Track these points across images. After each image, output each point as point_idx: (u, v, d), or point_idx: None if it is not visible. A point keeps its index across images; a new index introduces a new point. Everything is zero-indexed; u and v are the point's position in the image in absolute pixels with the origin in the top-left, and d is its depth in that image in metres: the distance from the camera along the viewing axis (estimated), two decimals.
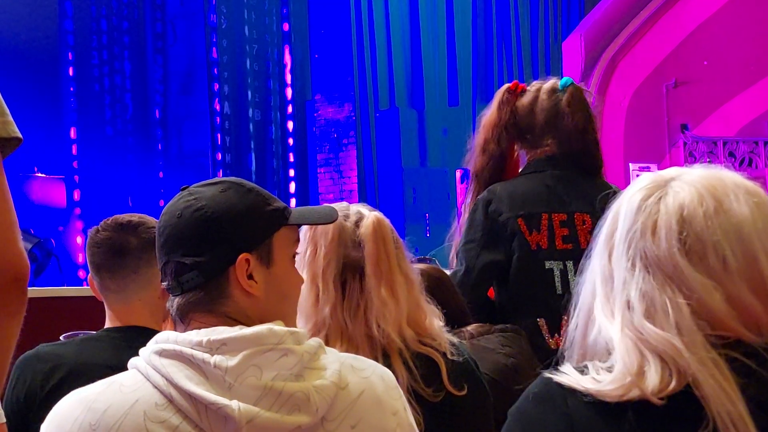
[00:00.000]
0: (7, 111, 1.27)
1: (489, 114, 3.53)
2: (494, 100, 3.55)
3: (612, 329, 1.51)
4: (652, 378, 1.44)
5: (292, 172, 16.03)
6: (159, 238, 1.85)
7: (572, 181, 3.43)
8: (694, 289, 1.47)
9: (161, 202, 13.32)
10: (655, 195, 1.57)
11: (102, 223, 2.85)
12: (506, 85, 3.57)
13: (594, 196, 3.33)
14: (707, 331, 1.46)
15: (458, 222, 4.39)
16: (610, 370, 1.50)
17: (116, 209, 13.39)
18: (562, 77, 3.59)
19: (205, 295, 1.79)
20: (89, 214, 13.17)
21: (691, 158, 13.73)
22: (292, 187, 16.00)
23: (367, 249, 2.42)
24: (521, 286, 3.37)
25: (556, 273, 3.31)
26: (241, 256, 1.80)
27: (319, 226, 2.41)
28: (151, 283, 2.73)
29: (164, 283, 1.85)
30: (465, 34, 16.90)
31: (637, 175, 8.95)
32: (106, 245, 2.76)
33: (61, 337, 2.96)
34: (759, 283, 1.48)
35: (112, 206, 12.97)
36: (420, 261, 3.30)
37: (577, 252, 3.30)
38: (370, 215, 2.50)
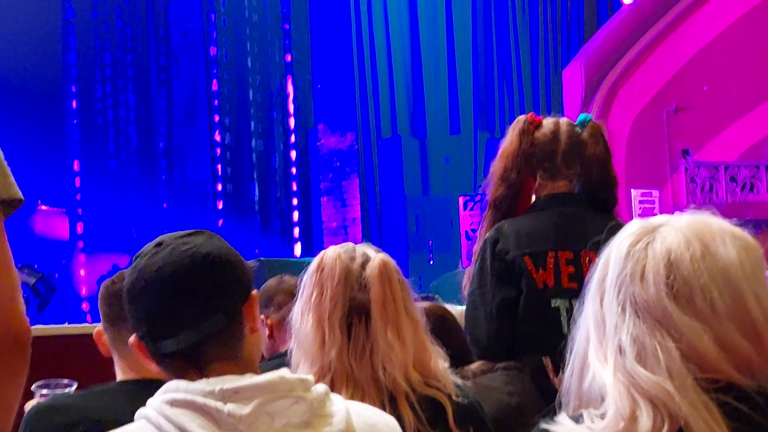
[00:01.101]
0: (9, 172, 1.30)
1: (508, 143, 3.50)
2: (513, 129, 3.53)
3: (605, 374, 1.51)
4: (645, 423, 1.44)
5: (295, 201, 16.06)
6: (164, 289, 1.79)
7: (580, 219, 3.40)
8: (683, 333, 1.48)
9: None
10: (643, 240, 1.59)
11: (117, 274, 2.77)
12: (524, 116, 3.56)
13: (606, 236, 3.34)
14: (698, 375, 1.46)
15: (462, 250, 4.43)
16: (603, 416, 1.50)
17: (120, 242, 13.44)
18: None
19: (226, 338, 1.79)
20: (92, 246, 13.21)
21: (692, 183, 13.73)
22: (296, 215, 16.03)
23: (373, 291, 2.41)
24: (528, 324, 3.36)
25: (563, 311, 3.29)
26: (252, 294, 1.83)
27: (326, 268, 2.41)
28: None
29: (179, 334, 1.78)
30: (465, 62, 16.98)
31: (640, 201, 8.91)
32: (119, 298, 2.58)
33: (33, 388, 2.86)
34: (748, 325, 1.48)
35: (115, 239, 13.02)
36: (423, 299, 3.29)
37: (581, 291, 3.30)
38: (376, 257, 2.50)
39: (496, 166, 3.54)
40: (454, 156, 16.40)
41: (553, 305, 3.36)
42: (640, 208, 13.04)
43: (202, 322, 1.77)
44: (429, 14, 16.88)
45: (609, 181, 3.51)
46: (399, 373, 2.34)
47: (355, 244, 2.64)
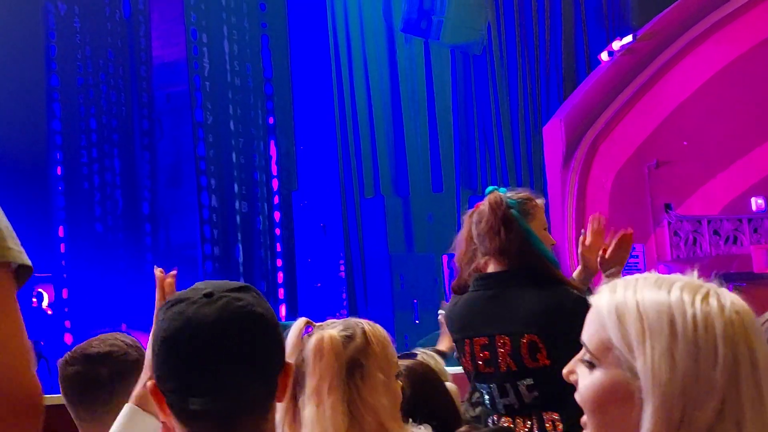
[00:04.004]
0: (17, 239, 1.31)
1: (461, 232, 3.58)
2: (466, 218, 3.61)
3: None
4: None
5: (279, 262, 16.06)
6: (213, 343, 1.66)
7: (501, 299, 3.39)
8: None
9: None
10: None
11: (68, 355, 2.65)
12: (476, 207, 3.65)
13: (525, 315, 3.29)
14: None
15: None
16: None
17: (106, 306, 13.37)
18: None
19: (259, 406, 1.70)
20: (78, 312, 13.15)
21: (676, 237, 13.80)
22: (280, 277, 16.01)
23: (306, 366, 2.40)
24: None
25: (484, 393, 3.34)
26: (289, 363, 1.75)
27: (288, 337, 2.38)
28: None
29: (216, 394, 1.66)
30: (446, 121, 17.13)
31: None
32: (77, 380, 2.58)
33: None
34: None
35: (101, 304, 12.97)
36: (405, 356, 3.28)
37: (497, 376, 3.36)
38: (323, 333, 2.45)
39: (456, 255, 3.62)
40: (437, 214, 16.46)
41: (477, 387, 3.41)
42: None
43: (243, 386, 1.66)
44: (409, 74, 17.05)
45: (506, 250, 3.45)
46: None
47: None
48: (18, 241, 1.29)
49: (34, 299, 12.30)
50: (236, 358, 1.65)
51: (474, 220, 3.49)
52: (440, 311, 4.45)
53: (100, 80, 14.68)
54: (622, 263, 3.85)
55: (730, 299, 1.46)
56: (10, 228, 1.29)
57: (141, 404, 2.16)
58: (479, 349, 3.35)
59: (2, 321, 1.21)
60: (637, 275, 1.54)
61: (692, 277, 1.51)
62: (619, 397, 1.44)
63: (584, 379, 1.49)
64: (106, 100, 14.74)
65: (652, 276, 1.53)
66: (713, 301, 1.45)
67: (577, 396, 1.50)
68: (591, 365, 1.48)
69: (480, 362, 3.35)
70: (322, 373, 2.38)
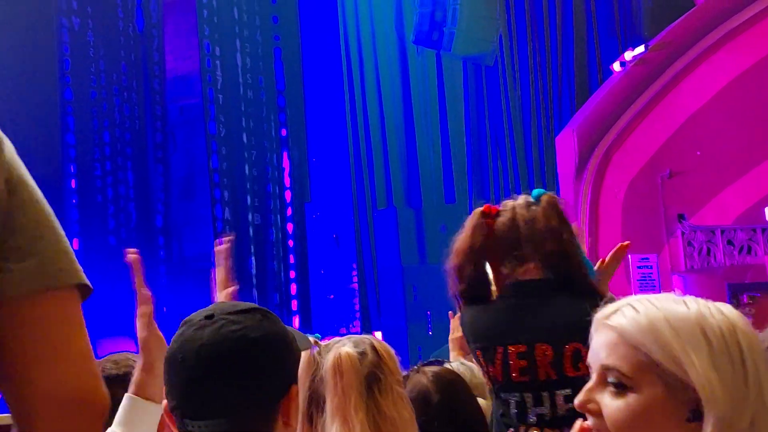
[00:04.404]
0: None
1: (461, 239, 3.49)
2: (468, 223, 3.53)
3: None
4: None
5: (292, 274, 16.07)
6: (201, 368, 1.66)
7: (539, 308, 3.37)
8: None
9: (164, 309, 13.34)
10: None
11: None
12: (479, 209, 3.55)
13: (567, 324, 3.32)
14: None
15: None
16: None
17: (119, 321, 13.43)
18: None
19: (260, 427, 1.68)
20: (91, 327, 13.19)
21: (690, 247, 13.74)
22: (293, 288, 16.02)
23: (326, 384, 2.39)
24: (496, 410, 3.40)
25: (512, 404, 3.29)
26: (293, 387, 1.72)
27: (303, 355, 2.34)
28: None
29: (208, 419, 1.67)
30: (459, 132, 17.12)
31: (638, 266, 8.84)
32: None
33: None
34: None
35: (114, 317, 12.99)
36: (430, 363, 3.26)
37: (534, 384, 3.29)
38: (340, 350, 2.45)
39: (450, 262, 3.54)
40: (450, 225, 16.39)
41: (502, 398, 3.37)
42: (638, 273, 13.04)
43: (235, 413, 1.65)
44: (421, 86, 17.07)
45: (569, 255, 3.45)
46: None
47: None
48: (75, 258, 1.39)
49: None
50: (225, 382, 1.65)
51: (522, 221, 3.45)
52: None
53: (113, 93, 14.74)
54: (612, 275, 3.83)
55: (729, 307, 1.49)
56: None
57: (139, 392, 2.16)
58: (515, 357, 3.32)
59: (81, 338, 1.31)
60: (634, 297, 1.54)
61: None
62: (659, 416, 1.44)
63: (614, 404, 1.46)
64: (119, 113, 14.81)
65: (653, 295, 1.53)
66: (725, 311, 1.47)
67: (609, 422, 1.46)
68: (622, 389, 1.46)
69: (514, 371, 3.32)
70: (344, 390, 2.38)
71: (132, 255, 2.26)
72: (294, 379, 1.73)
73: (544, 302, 3.34)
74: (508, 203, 3.48)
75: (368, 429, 2.35)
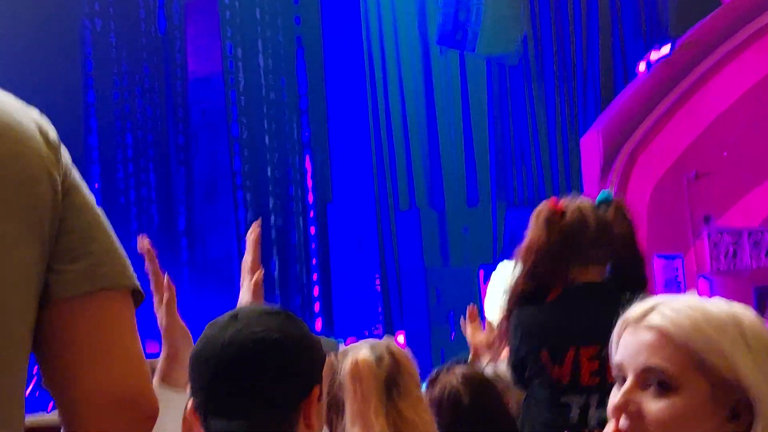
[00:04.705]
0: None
1: (535, 236, 3.40)
2: (537, 220, 3.44)
3: None
4: None
5: (315, 276, 16.05)
6: (223, 368, 1.71)
7: (610, 310, 3.31)
8: None
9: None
10: None
11: None
12: (546, 205, 3.48)
13: None
14: None
15: (484, 322, 4.37)
16: None
17: (142, 321, 13.52)
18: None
19: (280, 428, 1.70)
20: None
21: (715, 249, 13.64)
22: (316, 290, 16.00)
23: (345, 390, 2.39)
24: (539, 411, 3.30)
25: (574, 407, 3.23)
26: (315, 389, 1.74)
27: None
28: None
29: (229, 418, 1.71)
30: (482, 134, 17.06)
31: (663, 268, 8.74)
32: None
33: None
34: None
35: (137, 319, 13.01)
36: (459, 365, 3.22)
37: (603, 387, 3.23)
38: (357, 355, 2.44)
39: (525, 260, 3.46)
40: (472, 227, 16.38)
41: (562, 401, 3.29)
42: (664, 275, 12.95)
43: (254, 414, 1.70)
44: (444, 87, 17.01)
45: (637, 259, 3.45)
46: None
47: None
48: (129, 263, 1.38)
49: None
50: (244, 383, 1.70)
51: (593, 223, 3.39)
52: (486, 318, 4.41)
53: (135, 95, 14.78)
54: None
55: (748, 308, 1.51)
56: None
57: (164, 379, 2.17)
58: (587, 359, 3.27)
59: (131, 339, 1.32)
60: (660, 297, 1.55)
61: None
62: (703, 416, 1.45)
63: (658, 405, 1.46)
64: (141, 115, 14.84)
65: (678, 296, 1.54)
66: (749, 312, 1.50)
67: (654, 423, 1.46)
68: (666, 390, 1.45)
69: (585, 372, 3.26)
70: (364, 395, 2.37)
71: (144, 242, 2.26)
72: (317, 381, 1.74)
73: (613, 305, 3.30)
74: (572, 202, 3.43)
75: None
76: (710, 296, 1.53)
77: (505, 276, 4.44)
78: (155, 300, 2.27)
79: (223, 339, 1.71)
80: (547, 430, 3.24)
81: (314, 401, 1.73)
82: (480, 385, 2.94)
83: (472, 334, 4.17)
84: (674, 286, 12.81)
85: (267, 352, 1.69)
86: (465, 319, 4.16)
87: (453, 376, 2.91)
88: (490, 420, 2.61)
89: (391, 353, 2.46)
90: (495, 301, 4.59)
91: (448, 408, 2.73)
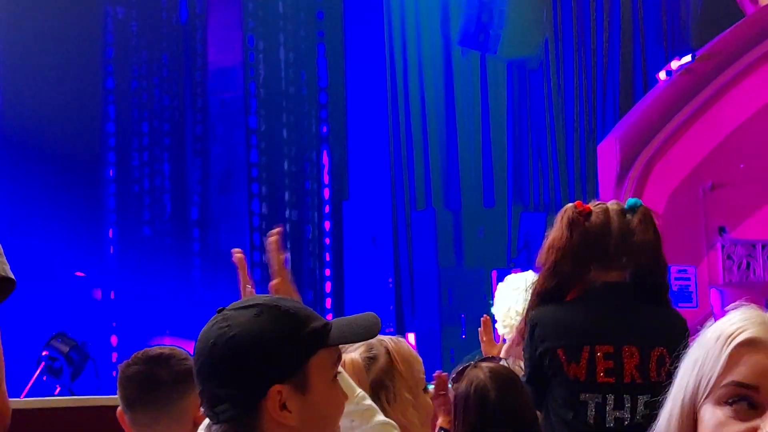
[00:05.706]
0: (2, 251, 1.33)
1: (559, 235, 3.39)
2: (561, 220, 3.42)
3: None
4: None
5: (328, 272, 16.04)
6: (195, 364, 1.79)
7: (628, 311, 3.31)
8: None
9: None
10: None
11: (132, 356, 2.78)
12: (571, 205, 3.47)
13: (653, 329, 3.31)
14: None
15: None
16: None
17: (151, 310, 13.48)
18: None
19: (240, 428, 1.74)
20: (124, 313, 13.23)
21: (729, 261, 13.59)
22: (328, 286, 16.00)
23: None
24: (557, 411, 3.29)
25: (591, 405, 3.22)
26: (272, 389, 1.73)
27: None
28: (183, 416, 2.65)
29: (202, 409, 1.81)
30: (500, 136, 17.03)
31: (675, 278, 8.72)
32: (137, 379, 2.68)
33: None
34: None
35: (147, 307, 13.04)
36: (486, 360, 3.22)
37: (618, 386, 3.24)
38: (348, 355, 2.43)
39: (546, 258, 3.45)
40: (488, 229, 16.36)
41: (581, 399, 3.29)
42: (675, 285, 12.91)
43: (215, 405, 1.74)
44: (464, 87, 16.98)
45: (660, 267, 3.46)
46: None
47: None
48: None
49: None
50: (204, 379, 1.77)
51: (617, 227, 3.39)
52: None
53: (153, 84, 14.79)
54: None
55: None
56: None
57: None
58: (602, 358, 3.27)
59: None
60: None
61: None
62: None
63: None
64: (159, 104, 14.85)
65: (743, 306, 1.49)
66: None
67: None
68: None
69: (600, 371, 3.27)
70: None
71: (238, 254, 2.49)
72: (276, 381, 1.71)
73: (631, 306, 3.35)
74: (599, 205, 3.44)
75: None
76: (721, 308, 1.52)
77: (512, 289, 4.48)
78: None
79: (201, 333, 1.77)
80: (568, 429, 3.26)
81: (276, 403, 1.72)
82: (507, 381, 2.96)
83: (486, 351, 4.24)
84: (686, 296, 12.77)
85: (221, 351, 1.72)
86: (481, 329, 4.27)
87: (480, 370, 2.93)
88: (516, 415, 2.61)
89: (389, 354, 2.44)
90: (502, 312, 4.64)
91: (475, 402, 2.75)
